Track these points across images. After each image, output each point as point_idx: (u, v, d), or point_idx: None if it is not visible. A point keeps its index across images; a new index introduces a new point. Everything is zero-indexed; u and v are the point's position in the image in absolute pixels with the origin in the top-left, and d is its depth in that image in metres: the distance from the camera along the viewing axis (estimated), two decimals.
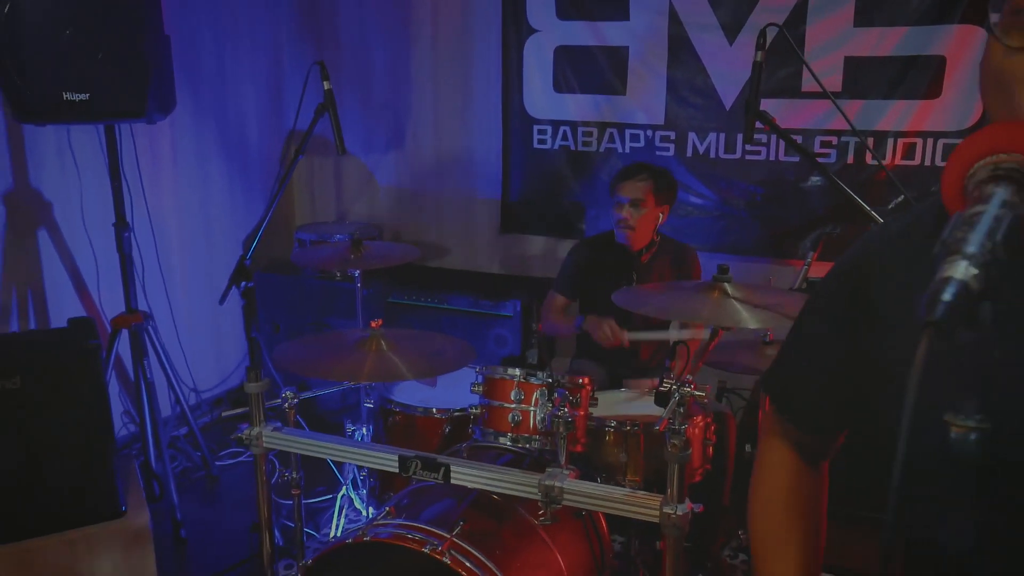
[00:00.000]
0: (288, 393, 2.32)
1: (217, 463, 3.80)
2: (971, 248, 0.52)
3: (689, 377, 1.76)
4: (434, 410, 2.63)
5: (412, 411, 2.65)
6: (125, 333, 3.40)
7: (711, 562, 2.74)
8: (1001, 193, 0.55)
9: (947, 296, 0.51)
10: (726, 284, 2.07)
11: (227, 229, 4.30)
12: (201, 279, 4.17)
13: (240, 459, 3.87)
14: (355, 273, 3.07)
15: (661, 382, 1.74)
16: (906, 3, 3.36)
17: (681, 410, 1.71)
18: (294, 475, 2.39)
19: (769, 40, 2.16)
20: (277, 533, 3.01)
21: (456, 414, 2.62)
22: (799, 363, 1.10)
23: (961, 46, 3.31)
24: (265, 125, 4.51)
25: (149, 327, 3.40)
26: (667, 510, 1.76)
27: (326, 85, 2.48)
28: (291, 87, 4.59)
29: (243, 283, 2.58)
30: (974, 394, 0.55)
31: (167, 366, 3.51)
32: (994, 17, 0.73)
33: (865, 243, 1.01)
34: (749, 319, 1.98)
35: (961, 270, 0.51)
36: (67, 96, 2.76)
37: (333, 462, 3.29)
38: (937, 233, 0.67)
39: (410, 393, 2.76)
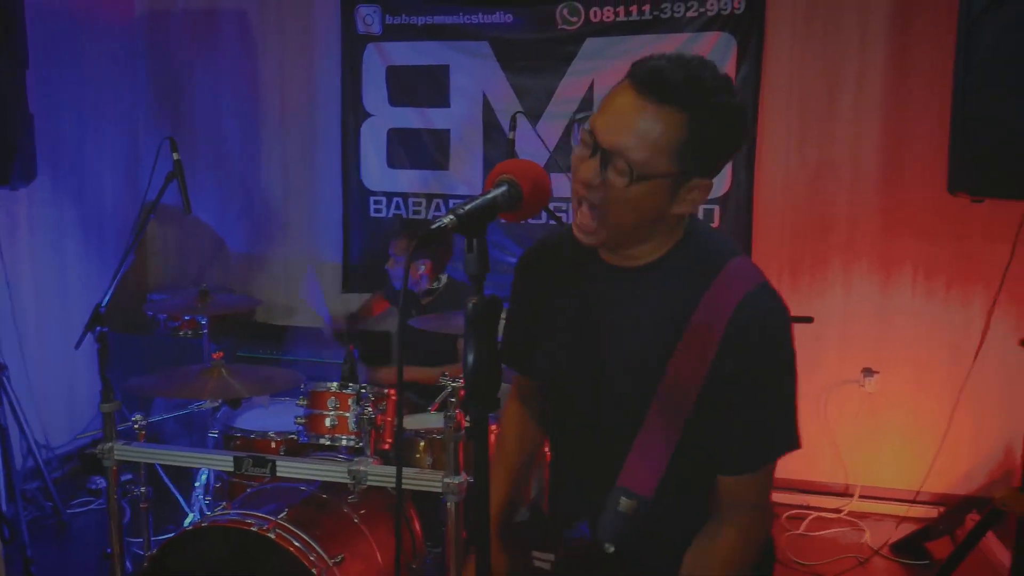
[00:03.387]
0: (138, 416, 2.68)
1: (68, 511, 4.01)
2: (459, 212, 1.07)
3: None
4: (270, 433, 3.03)
5: (250, 435, 3.04)
6: None
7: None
8: (494, 191, 1.12)
9: (432, 227, 1.06)
10: None
11: (82, 292, 4.57)
12: (57, 342, 4.40)
13: (90, 507, 4.09)
14: (203, 321, 3.47)
15: (440, 378, 2.26)
16: None
17: (453, 400, 2.23)
18: (142, 490, 2.73)
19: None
20: (128, 563, 3.29)
21: (290, 436, 3.04)
22: (509, 327, 1.62)
23: None
24: (121, 196, 4.86)
25: (3, 377, 3.65)
26: (447, 480, 2.25)
27: (175, 156, 2.93)
28: (146, 161, 4.97)
29: (98, 328, 2.95)
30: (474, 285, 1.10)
31: (21, 416, 3.75)
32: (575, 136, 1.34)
33: (528, 251, 1.59)
34: None
35: (447, 219, 1.06)
36: None
37: (181, 496, 3.62)
38: (568, 251, 1.34)
39: (250, 421, 3.15)
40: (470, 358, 1.06)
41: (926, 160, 3.86)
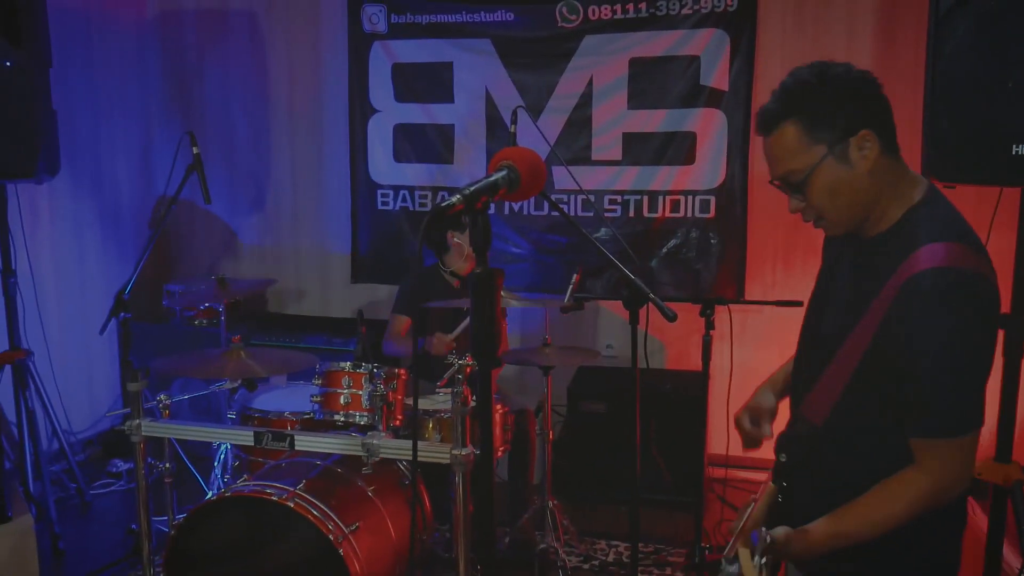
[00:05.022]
0: (162, 396, 2.85)
1: (91, 492, 4.19)
2: (466, 192, 1.23)
3: (469, 355, 2.45)
4: (286, 412, 3.19)
5: (267, 415, 3.20)
6: (8, 371, 3.81)
7: (519, 526, 3.43)
8: (495, 174, 1.28)
9: (442, 205, 1.21)
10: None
11: (100, 282, 4.74)
12: (77, 331, 4.58)
13: (111, 489, 4.28)
14: (220, 308, 3.63)
15: (447, 358, 2.42)
16: (665, 91, 4.31)
17: (460, 377, 2.39)
18: (166, 466, 2.89)
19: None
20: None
21: (305, 415, 3.19)
22: None
23: (706, 125, 4.27)
24: (136, 189, 5.04)
25: (30, 363, 3.82)
26: (455, 451, 2.41)
27: (195, 150, 3.10)
28: (159, 156, 5.14)
29: (122, 314, 3.11)
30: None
31: (47, 400, 3.92)
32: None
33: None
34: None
35: (455, 198, 1.22)
36: None
37: (200, 477, 3.79)
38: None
39: (266, 402, 3.31)
40: (475, 321, 1.22)
41: (911, 150, 3.98)
